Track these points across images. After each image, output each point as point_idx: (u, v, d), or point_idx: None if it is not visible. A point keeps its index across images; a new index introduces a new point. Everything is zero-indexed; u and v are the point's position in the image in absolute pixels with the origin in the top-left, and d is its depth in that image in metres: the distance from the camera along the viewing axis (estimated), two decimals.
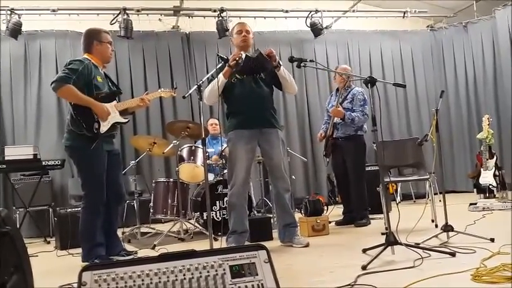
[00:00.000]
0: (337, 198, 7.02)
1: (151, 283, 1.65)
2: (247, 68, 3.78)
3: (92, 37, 3.76)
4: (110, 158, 3.71)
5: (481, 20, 7.96)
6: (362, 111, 5.00)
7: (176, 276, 1.68)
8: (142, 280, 1.65)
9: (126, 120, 3.86)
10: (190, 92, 3.59)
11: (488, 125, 6.08)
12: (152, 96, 4.03)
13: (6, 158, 5.42)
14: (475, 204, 5.31)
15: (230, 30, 4.08)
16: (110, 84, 3.81)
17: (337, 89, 5.28)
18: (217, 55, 3.95)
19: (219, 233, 4.22)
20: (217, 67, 3.86)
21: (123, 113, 3.80)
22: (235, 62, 3.71)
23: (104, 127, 3.57)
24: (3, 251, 1.74)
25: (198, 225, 5.11)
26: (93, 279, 1.63)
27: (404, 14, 7.98)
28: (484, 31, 7.87)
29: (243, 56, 3.73)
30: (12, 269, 1.79)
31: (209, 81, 3.89)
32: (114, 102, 3.74)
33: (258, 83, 3.93)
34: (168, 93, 4.18)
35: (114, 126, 3.70)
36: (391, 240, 3.01)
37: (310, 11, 7.50)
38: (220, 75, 3.76)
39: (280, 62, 3.90)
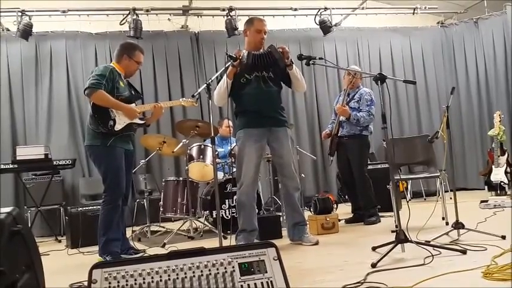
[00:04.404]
0: (346, 197, 7.00)
1: (160, 280, 1.66)
2: (254, 65, 3.76)
3: (125, 50, 3.95)
4: (124, 156, 3.85)
5: (492, 16, 7.88)
6: (368, 111, 4.99)
7: (185, 273, 1.68)
8: (152, 278, 1.66)
9: (142, 122, 4.01)
10: (199, 90, 3.61)
11: (500, 121, 6.01)
12: (170, 104, 4.68)
13: (17, 158, 5.46)
14: (486, 201, 5.26)
15: (245, 26, 3.98)
16: (131, 91, 4.01)
17: (345, 89, 5.27)
18: (226, 54, 3.93)
19: (228, 231, 4.23)
20: (226, 66, 3.85)
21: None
22: (238, 61, 3.70)
23: (119, 125, 3.74)
24: (14, 250, 1.76)
25: (207, 224, 5.12)
26: (103, 277, 1.65)
27: (414, 10, 7.93)
28: (495, 27, 7.79)
29: (245, 53, 3.71)
30: (23, 267, 1.81)
31: (218, 80, 3.90)
32: (133, 105, 3.92)
33: (266, 82, 3.92)
34: (189, 102, 4.32)
35: (131, 126, 3.85)
36: (401, 237, 2.99)
37: (319, 9, 7.48)
38: (225, 76, 3.75)
39: (293, 60, 3.88)
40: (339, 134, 5.12)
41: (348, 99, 5.08)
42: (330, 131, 5.27)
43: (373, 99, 5.05)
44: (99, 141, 3.70)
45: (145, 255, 3.79)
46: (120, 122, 3.75)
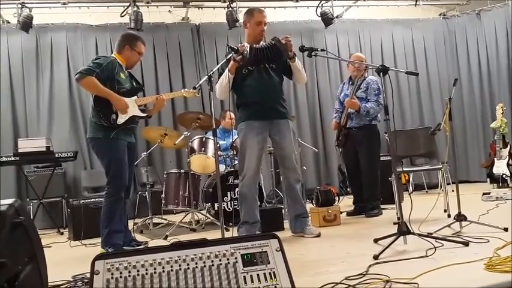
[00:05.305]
0: (348, 189, 7.00)
1: (163, 271, 1.66)
2: (256, 59, 3.73)
3: (127, 41, 3.93)
4: (127, 149, 3.85)
5: (495, 8, 7.83)
6: (376, 101, 4.92)
7: (188, 264, 1.68)
8: (155, 268, 1.66)
9: (145, 114, 4.00)
10: (200, 82, 3.60)
11: (502, 113, 6.00)
12: (172, 95, 4.60)
13: (19, 151, 5.47)
14: (488, 193, 5.25)
15: (245, 17, 3.95)
16: (133, 82, 3.99)
17: (350, 78, 5.21)
18: (227, 45, 3.90)
19: (230, 224, 4.23)
20: (227, 57, 3.83)
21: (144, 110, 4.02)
22: (241, 56, 3.67)
23: (122, 119, 3.73)
24: (17, 242, 1.76)
25: (209, 216, 5.13)
26: (106, 268, 1.65)
27: (416, 2, 7.86)
28: (497, 19, 7.74)
29: (247, 48, 3.69)
30: (26, 259, 1.81)
31: (219, 73, 3.88)
32: (135, 97, 3.90)
33: (268, 73, 3.90)
34: (190, 93, 4.31)
35: (133, 119, 3.85)
36: (403, 229, 2.99)
37: (321, 1, 7.42)
38: (227, 71, 3.73)
39: (295, 52, 3.86)
40: (347, 126, 5.09)
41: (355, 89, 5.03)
42: (338, 120, 5.24)
43: (380, 87, 4.95)
44: (101, 133, 3.70)
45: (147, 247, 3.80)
46: (123, 115, 3.73)
